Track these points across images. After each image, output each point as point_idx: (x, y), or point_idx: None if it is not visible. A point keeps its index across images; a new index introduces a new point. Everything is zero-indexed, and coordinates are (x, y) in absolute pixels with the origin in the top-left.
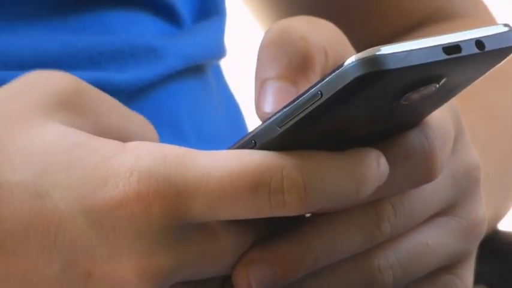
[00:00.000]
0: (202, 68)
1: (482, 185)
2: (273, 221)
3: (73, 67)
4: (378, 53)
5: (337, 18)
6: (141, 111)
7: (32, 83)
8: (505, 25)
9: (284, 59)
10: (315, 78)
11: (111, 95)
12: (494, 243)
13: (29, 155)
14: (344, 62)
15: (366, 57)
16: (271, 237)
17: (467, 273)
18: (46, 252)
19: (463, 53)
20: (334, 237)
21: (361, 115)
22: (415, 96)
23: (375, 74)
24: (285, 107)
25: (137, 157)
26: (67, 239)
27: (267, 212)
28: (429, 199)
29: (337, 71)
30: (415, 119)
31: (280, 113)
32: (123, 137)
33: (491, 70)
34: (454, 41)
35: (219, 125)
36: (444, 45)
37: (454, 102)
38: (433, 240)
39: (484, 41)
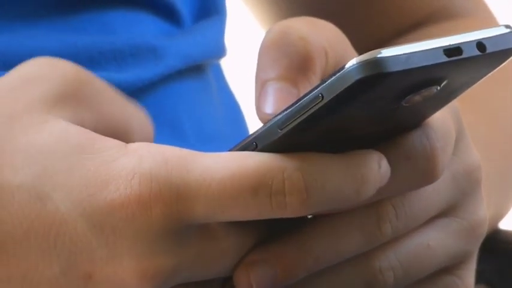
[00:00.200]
0: (202, 68)
1: (483, 185)
2: (273, 222)
3: None
4: (379, 56)
5: (338, 17)
6: None
7: (33, 74)
8: (507, 26)
9: (284, 60)
10: (315, 78)
11: None
12: (495, 242)
13: (29, 157)
14: (345, 65)
15: (367, 60)
16: (272, 238)
17: (468, 274)
18: (46, 254)
19: (464, 55)
20: (335, 238)
21: (362, 117)
22: (416, 98)
23: (376, 76)
24: (286, 109)
25: (139, 160)
26: (67, 242)
27: (268, 214)
28: (430, 200)
29: (338, 74)
30: (416, 120)
31: (281, 115)
32: (122, 128)
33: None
34: (455, 43)
35: (219, 125)
36: (445, 48)
37: (454, 102)
38: (434, 241)
39: (485, 42)
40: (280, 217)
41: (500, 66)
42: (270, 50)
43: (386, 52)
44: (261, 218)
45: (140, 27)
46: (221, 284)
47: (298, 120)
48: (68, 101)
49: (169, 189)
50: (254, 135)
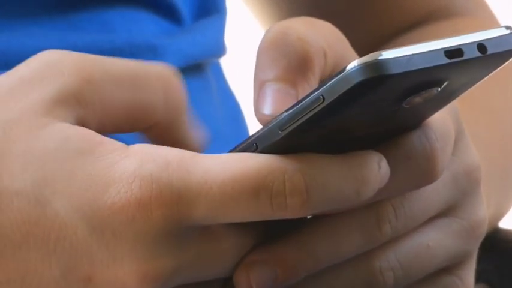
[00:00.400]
0: (202, 67)
1: (483, 184)
2: (273, 223)
3: None
4: (380, 58)
5: (338, 16)
6: None
7: (33, 74)
8: (507, 28)
9: (283, 61)
10: (314, 79)
11: None
12: (495, 241)
13: (28, 163)
14: (346, 67)
15: (368, 62)
16: (272, 238)
17: (468, 274)
18: (46, 258)
19: (465, 57)
20: (335, 239)
21: (363, 118)
22: (417, 99)
23: (377, 78)
24: (287, 111)
25: (140, 162)
26: (67, 246)
27: (269, 215)
28: (430, 200)
29: (339, 76)
30: (416, 121)
31: (282, 117)
32: (137, 113)
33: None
34: (455, 44)
35: (219, 125)
36: (446, 49)
37: (454, 102)
38: (434, 242)
39: (485, 44)
40: (281, 218)
41: (502, 67)
42: (268, 51)
43: (388, 54)
44: (262, 220)
45: (140, 26)
46: (221, 285)
47: (299, 121)
48: (68, 102)
49: (170, 191)
50: (254, 136)
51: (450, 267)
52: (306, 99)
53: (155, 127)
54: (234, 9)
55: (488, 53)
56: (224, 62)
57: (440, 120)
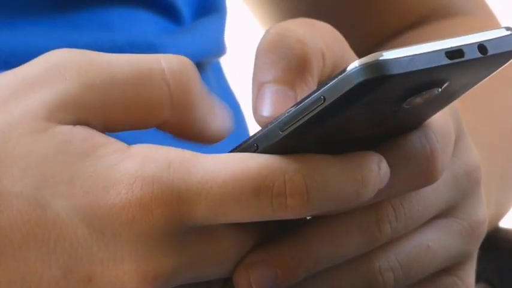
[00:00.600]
0: (202, 66)
1: (483, 184)
2: (274, 223)
3: None
4: (381, 58)
5: (337, 16)
6: None
7: (35, 76)
8: (508, 28)
9: (281, 63)
10: (312, 81)
11: None
12: (495, 241)
13: (28, 166)
14: (347, 67)
15: (369, 63)
16: (272, 239)
17: (469, 275)
18: (46, 258)
19: (465, 58)
20: (335, 239)
21: (363, 119)
22: (417, 100)
23: (378, 79)
24: (287, 111)
25: (141, 163)
26: (67, 246)
27: (269, 216)
28: (430, 201)
29: (340, 76)
30: (416, 121)
31: (282, 117)
32: (142, 112)
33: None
34: (456, 45)
35: None
36: (447, 50)
37: (454, 103)
38: (434, 242)
39: (486, 45)
40: (282, 219)
41: (502, 68)
42: (267, 52)
43: (388, 55)
44: (262, 220)
45: (140, 25)
46: (221, 285)
47: (300, 122)
48: (69, 107)
49: (171, 191)
50: (255, 136)
51: (450, 267)
52: (307, 100)
53: (167, 124)
54: (234, 9)
55: (488, 54)
56: (224, 62)
57: (441, 120)
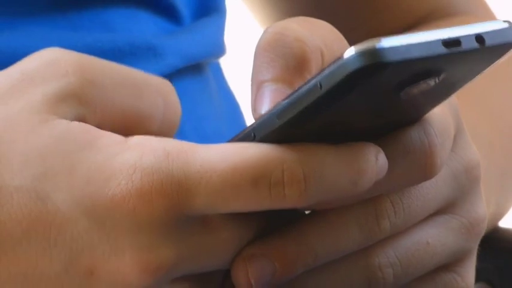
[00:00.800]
0: (201, 67)
1: (483, 183)
2: (273, 216)
3: None
4: (377, 45)
5: (337, 16)
6: None
7: (34, 71)
8: (506, 21)
9: (280, 61)
10: None
11: None
12: (495, 240)
13: (28, 159)
14: (343, 54)
15: (365, 49)
16: (271, 232)
17: (468, 272)
18: (47, 252)
19: (463, 47)
20: (334, 234)
21: (361, 108)
22: (414, 90)
23: (374, 66)
24: (284, 99)
25: (140, 154)
26: (68, 240)
27: (267, 205)
28: (429, 196)
29: (336, 63)
30: (415, 115)
31: (279, 106)
32: (135, 120)
33: (491, 67)
34: (454, 35)
35: (218, 125)
36: (444, 39)
37: (453, 99)
38: (433, 239)
39: (484, 36)
40: (280, 208)
41: (499, 61)
42: (265, 52)
43: (385, 42)
44: (261, 210)
45: (139, 26)
46: (222, 276)
47: (296, 109)
48: (69, 100)
49: (171, 181)
50: (253, 125)
51: (450, 264)
52: (303, 88)
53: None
54: (233, 9)
55: (486, 44)
56: (224, 62)
57: (440, 115)
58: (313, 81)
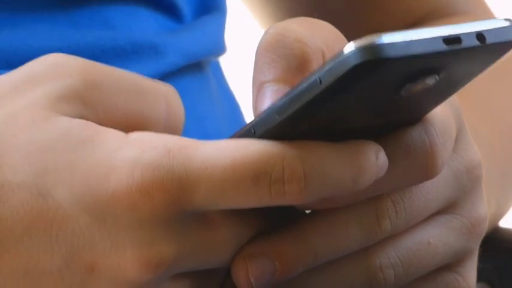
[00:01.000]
0: (202, 65)
1: (484, 183)
2: (273, 215)
3: None
4: (377, 41)
5: (336, 16)
6: None
7: (37, 73)
8: (506, 19)
9: (281, 62)
10: None
11: None
12: (495, 240)
13: (29, 154)
14: (343, 49)
15: (365, 45)
16: (272, 231)
17: (469, 271)
18: (48, 248)
19: (463, 45)
20: (334, 233)
21: (361, 105)
22: (415, 88)
23: (374, 61)
24: (284, 96)
25: (141, 150)
26: (69, 236)
27: (267, 202)
28: (430, 196)
29: (336, 59)
30: (416, 114)
31: (279, 102)
32: (136, 124)
33: (492, 67)
34: (455, 32)
35: (218, 123)
36: (445, 36)
37: (455, 99)
38: (435, 239)
39: (485, 33)
40: (280, 205)
41: (500, 59)
42: (266, 52)
43: (386, 38)
44: (261, 206)
45: (140, 23)
46: (222, 277)
47: (296, 105)
48: (72, 100)
49: (172, 177)
50: (253, 122)
51: (451, 264)
52: (303, 83)
53: None
54: (233, 9)
55: (487, 42)
56: (224, 62)
57: (441, 115)
58: (313, 77)
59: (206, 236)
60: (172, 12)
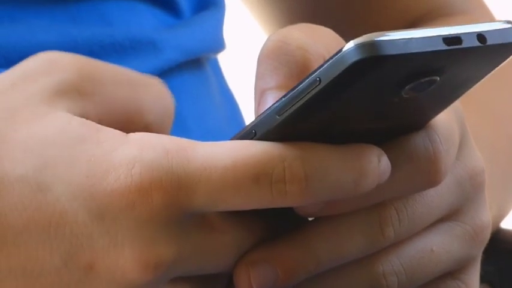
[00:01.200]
0: (201, 62)
1: (486, 185)
2: (276, 222)
3: None
4: (376, 38)
5: (334, 16)
6: None
7: (33, 69)
8: (508, 21)
9: (283, 69)
10: None
11: None
12: (497, 242)
13: (29, 149)
14: (343, 47)
15: (364, 42)
16: (274, 238)
17: (472, 279)
18: (47, 245)
19: (463, 45)
20: (337, 240)
21: (362, 106)
22: (416, 90)
23: (373, 59)
24: (284, 96)
25: (140, 149)
26: (67, 233)
27: (268, 203)
28: (433, 204)
29: (335, 57)
30: (419, 121)
31: (279, 102)
32: (133, 112)
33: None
34: (455, 32)
35: (217, 120)
36: (445, 36)
37: (458, 106)
38: (438, 246)
39: (485, 34)
40: (281, 206)
41: (502, 64)
42: (268, 59)
43: (385, 35)
44: (262, 207)
45: (138, 18)
46: (225, 284)
47: (296, 105)
48: (68, 94)
49: (171, 178)
50: (253, 123)
51: (454, 271)
52: (303, 83)
53: (145, 130)
54: (233, 9)
55: (487, 43)
56: (222, 61)
57: (445, 122)
58: (312, 76)
59: (206, 239)
60: (170, 7)
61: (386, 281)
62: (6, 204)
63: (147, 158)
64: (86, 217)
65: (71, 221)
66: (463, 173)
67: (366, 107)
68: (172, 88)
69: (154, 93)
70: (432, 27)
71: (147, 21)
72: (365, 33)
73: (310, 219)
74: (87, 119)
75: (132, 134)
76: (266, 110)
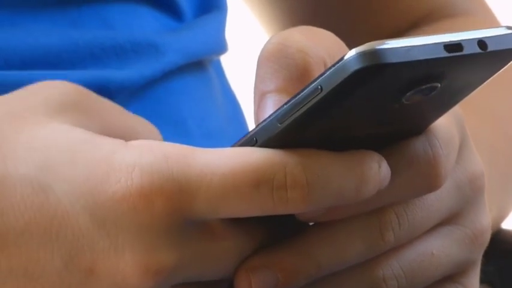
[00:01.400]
0: (203, 64)
1: (485, 188)
2: (276, 228)
3: (75, 64)
4: (378, 47)
5: (336, 16)
6: (144, 108)
7: (37, 88)
8: (509, 27)
9: (283, 72)
10: None
11: (113, 93)
12: (497, 242)
13: (32, 149)
14: (344, 56)
15: (365, 51)
16: (274, 244)
17: (472, 282)
18: (48, 246)
19: (464, 52)
20: (337, 245)
21: (363, 113)
22: (417, 96)
23: (374, 67)
24: (286, 103)
25: (139, 154)
26: (69, 235)
27: (269, 209)
28: (433, 208)
29: (337, 65)
30: (419, 125)
31: (281, 109)
32: (128, 136)
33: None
34: (456, 39)
35: (221, 122)
36: (446, 43)
37: (458, 109)
38: (438, 250)
39: (486, 41)
40: (283, 213)
41: (503, 69)
42: (268, 62)
43: (386, 44)
44: (263, 214)
45: (140, 22)
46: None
47: (298, 113)
48: (70, 110)
49: (172, 184)
50: (254, 130)
51: (454, 275)
52: (304, 91)
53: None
54: (233, 9)
55: (488, 50)
56: (224, 62)
57: (445, 127)
58: (313, 84)
59: (207, 246)
60: (172, 10)
61: (386, 285)
62: (8, 204)
63: (146, 162)
64: (87, 219)
65: (73, 223)
66: (462, 176)
67: (367, 113)
68: (174, 91)
69: (145, 125)
70: (433, 35)
71: (149, 25)
72: (366, 33)
73: (310, 224)
74: None
75: (131, 141)
76: (267, 117)
